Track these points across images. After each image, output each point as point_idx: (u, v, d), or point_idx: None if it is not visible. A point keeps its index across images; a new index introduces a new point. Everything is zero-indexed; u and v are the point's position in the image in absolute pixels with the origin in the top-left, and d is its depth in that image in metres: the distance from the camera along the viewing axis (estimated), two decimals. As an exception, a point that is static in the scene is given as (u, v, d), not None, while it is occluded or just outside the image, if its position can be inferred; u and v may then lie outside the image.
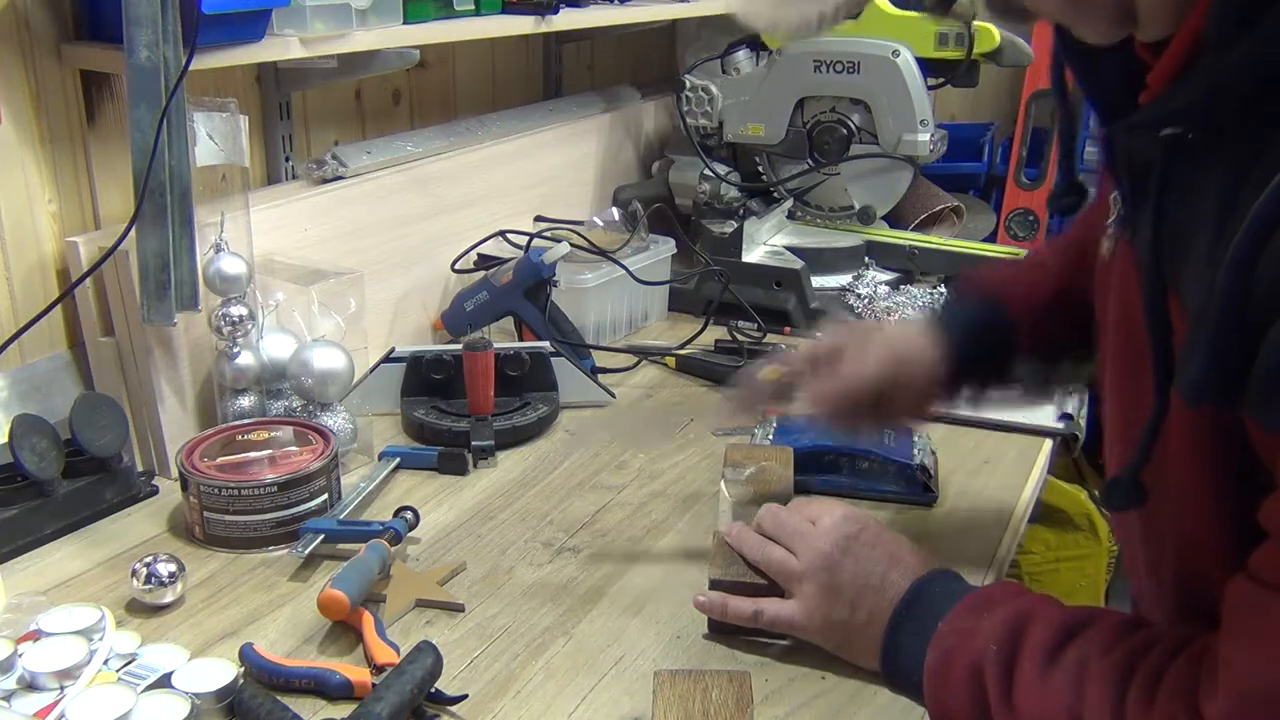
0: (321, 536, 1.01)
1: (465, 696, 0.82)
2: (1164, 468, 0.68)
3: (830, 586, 0.84)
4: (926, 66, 1.69)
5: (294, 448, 1.09)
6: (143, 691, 0.79)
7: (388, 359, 1.31)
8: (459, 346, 1.28)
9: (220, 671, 0.81)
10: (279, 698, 0.81)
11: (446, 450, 1.20)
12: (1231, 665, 0.61)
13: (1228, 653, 0.61)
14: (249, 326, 1.15)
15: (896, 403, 0.97)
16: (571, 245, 1.45)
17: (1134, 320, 0.70)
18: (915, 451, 1.12)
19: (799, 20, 0.66)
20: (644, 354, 1.50)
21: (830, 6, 0.64)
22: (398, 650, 0.86)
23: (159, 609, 0.94)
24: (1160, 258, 0.65)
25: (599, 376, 1.38)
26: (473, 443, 1.21)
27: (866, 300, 1.59)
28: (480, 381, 1.24)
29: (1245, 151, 0.60)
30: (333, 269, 1.24)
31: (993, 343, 0.99)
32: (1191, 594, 0.73)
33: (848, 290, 1.64)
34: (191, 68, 1.03)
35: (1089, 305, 0.85)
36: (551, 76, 1.93)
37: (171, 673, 0.82)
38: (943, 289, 1.64)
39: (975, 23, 1.68)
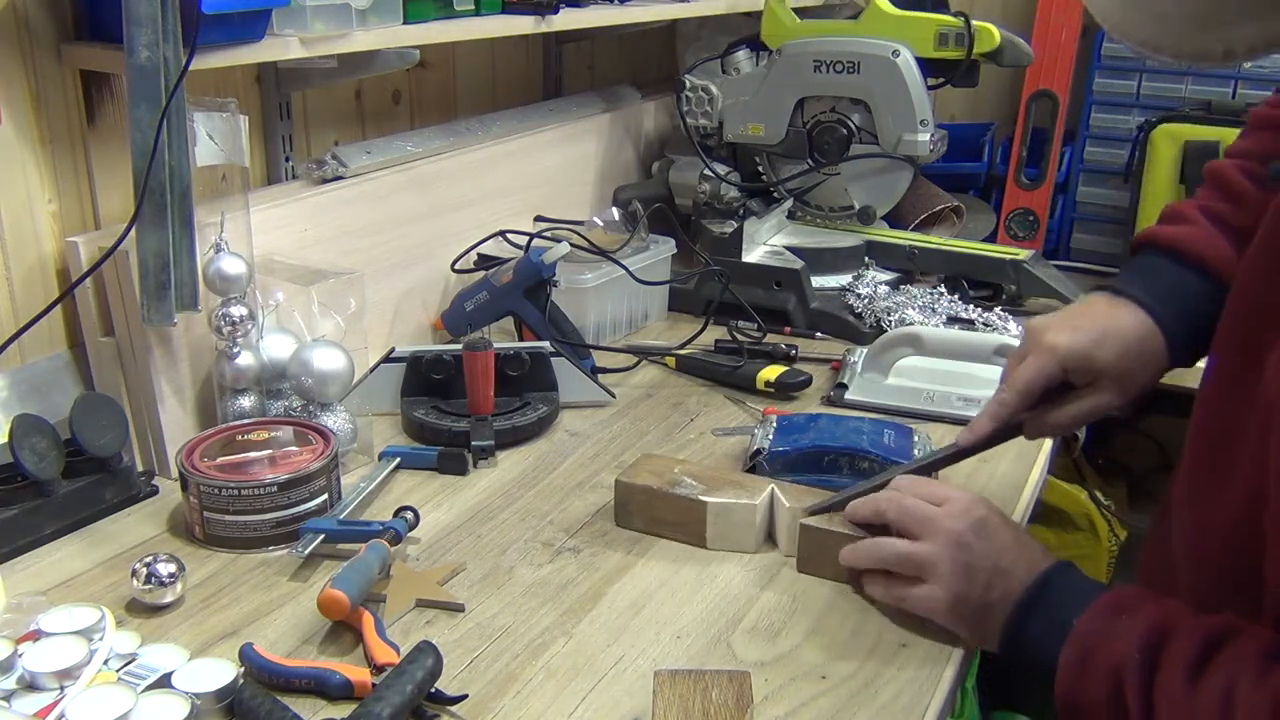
0: (321, 536, 1.01)
1: (465, 696, 0.82)
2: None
3: (965, 566, 0.87)
4: (926, 66, 1.69)
5: (294, 448, 1.09)
6: (143, 691, 0.79)
7: (388, 359, 1.31)
8: (459, 346, 1.28)
9: (220, 671, 0.81)
10: (279, 698, 0.81)
11: (446, 450, 1.20)
12: None
13: None
14: (249, 326, 1.15)
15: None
16: (571, 245, 1.45)
17: None
18: (915, 452, 1.12)
19: (1195, 51, 0.58)
20: (644, 354, 1.50)
21: (1244, 46, 0.56)
22: (398, 650, 0.86)
23: (159, 609, 0.94)
24: None
25: (599, 376, 1.38)
26: (473, 443, 1.21)
27: (866, 300, 1.59)
28: (480, 381, 1.25)
29: None
30: (333, 269, 1.24)
31: (1215, 323, 0.91)
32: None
33: (848, 290, 1.64)
34: (191, 68, 1.03)
35: None
36: (551, 76, 1.93)
37: (171, 673, 0.82)
38: (943, 289, 1.63)
39: (975, 22, 1.68)
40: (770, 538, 1.04)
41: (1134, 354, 0.94)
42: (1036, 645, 0.82)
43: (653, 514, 1.06)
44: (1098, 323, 0.94)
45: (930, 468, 1.03)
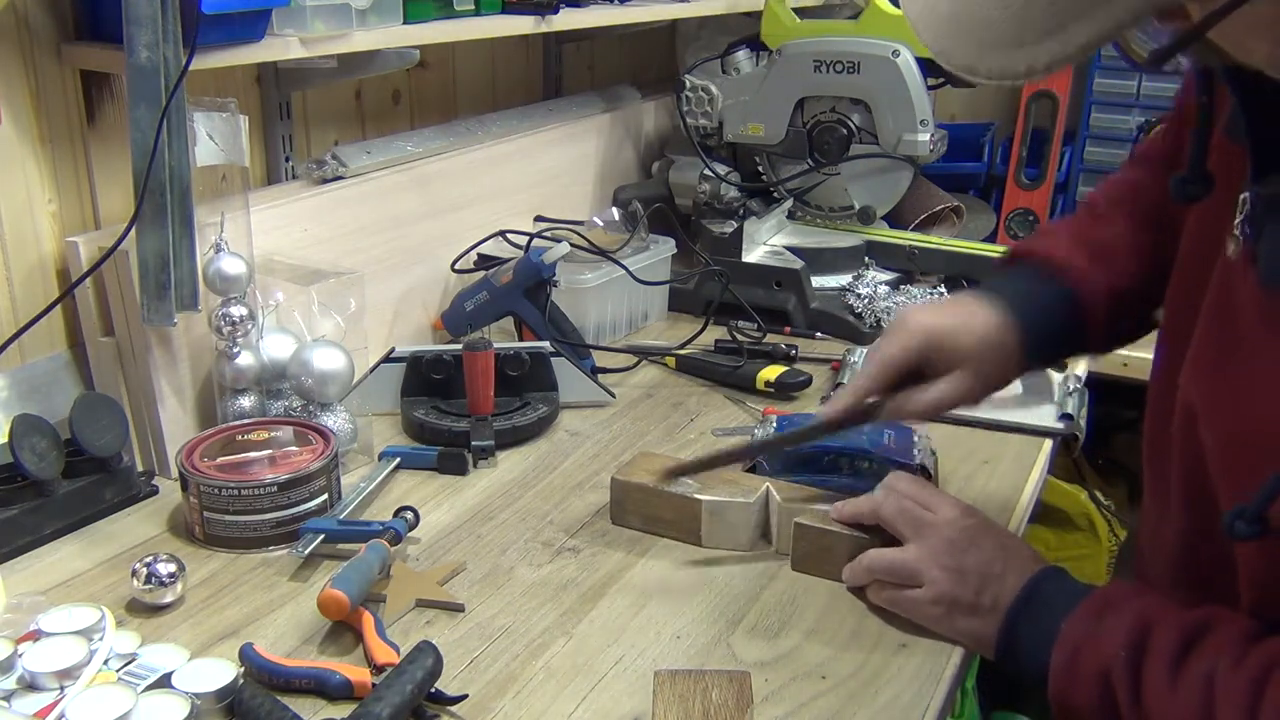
0: (321, 536, 1.01)
1: (465, 696, 0.82)
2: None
3: (957, 571, 0.88)
4: (926, 66, 1.69)
5: (294, 448, 1.09)
6: (143, 691, 0.79)
7: (388, 359, 1.31)
8: (459, 346, 1.28)
9: (220, 671, 0.81)
10: (279, 698, 0.81)
11: (446, 450, 1.20)
12: None
13: None
14: (249, 326, 1.15)
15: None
16: (571, 245, 1.45)
17: (1240, 322, 0.72)
18: (915, 452, 1.12)
19: (1002, 70, 0.62)
20: (644, 354, 1.50)
21: (1042, 63, 0.60)
22: (398, 650, 0.86)
23: (159, 609, 0.94)
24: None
25: (599, 376, 1.38)
26: (473, 443, 1.21)
27: (866, 300, 1.59)
28: (480, 381, 1.24)
29: None
30: (333, 269, 1.24)
31: (1066, 333, 0.99)
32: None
33: (848, 290, 1.64)
34: (191, 68, 1.03)
35: (1154, 302, 0.87)
36: (551, 76, 1.93)
37: (171, 673, 0.82)
38: (943, 289, 1.64)
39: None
40: (765, 536, 1.04)
41: (992, 344, 0.96)
42: (1029, 651, 0.83)
43: (648, 512, 1.06)
44: (961, 312, 0.98)
45: (788, 441, 1.04)
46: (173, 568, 0.93)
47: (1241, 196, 0.76)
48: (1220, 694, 0.69)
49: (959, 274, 1.69)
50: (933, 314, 0.98)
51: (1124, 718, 0.74)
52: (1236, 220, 0.76)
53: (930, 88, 1.71)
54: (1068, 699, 0.79)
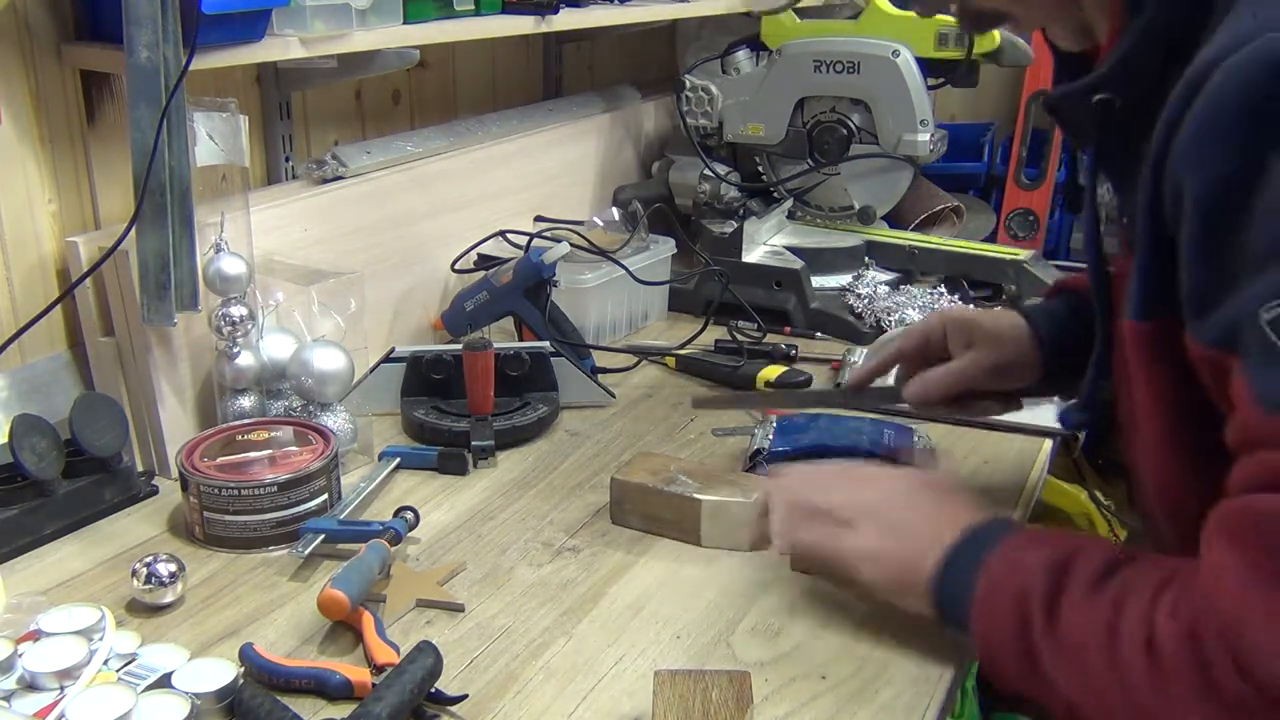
0: (321, 536, 1.01)
1: (465, 696, 0.82)
2: (1132, 408, 0.75)
3: (887, 524, 0.86)
4: (926, 66, 1.69)
5: (294, 448, 1.09)
6: (143, 691, 0.79)
7: (388, 359, 1.31)
8: (459, 346, 1.28)
9: (220, 671, 0.81)
10: (279, 698, 0.81)
11: (446, 450, 1.20)
12: (1215, 579, 0.65)
13: (1206, 565, 0.66)
14: (249, 326, 1.15)
15: (991, 393, 1.05)
16: (571, 245, 1.45)
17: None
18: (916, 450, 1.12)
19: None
20: (644, 354, 1.50)
21: None
22: (398, 650, 0.86)
23: (159, 609, 0.94)
24: (1095, 205, 0.77)
25: (599, 376, 1.38)
26: (473, 443, 1.21)
27: (866, 300, 1.59)
28: (480, 381, 1.24)
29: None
30: (333, 269, 1.24)
31: (1078, 334, 1.00)
32: (1186, 534, 0.74)
33: (848, 290, 1.64)
34: (191, 68, 1.03)
35: None
36: (551, 76, 1.93)
37: (171, 673, 0.82)
38: (943, 289, 1.64)
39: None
40: (766, 536, 1.04)
41: (1010, 329, 1.03)
42: (958, 593, 0.79)
43: (648, 511, 1.06)
44: (986, 311, 1.08)
45: (807, 402, 1.09)
46: (173, 568, 0.93)
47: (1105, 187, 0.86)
48: (1128, 602, 0.69)
49: (959, 274, 1.69)
50: (955, 307, 1.05)
51: (1035, 638, 0.73)
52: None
53: (930, 88, 1.71)
54: (988, 633, 0.77)
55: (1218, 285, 0.65)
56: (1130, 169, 0.74)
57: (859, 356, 1.42)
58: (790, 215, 1.85)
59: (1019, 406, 1.07)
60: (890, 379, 1.10)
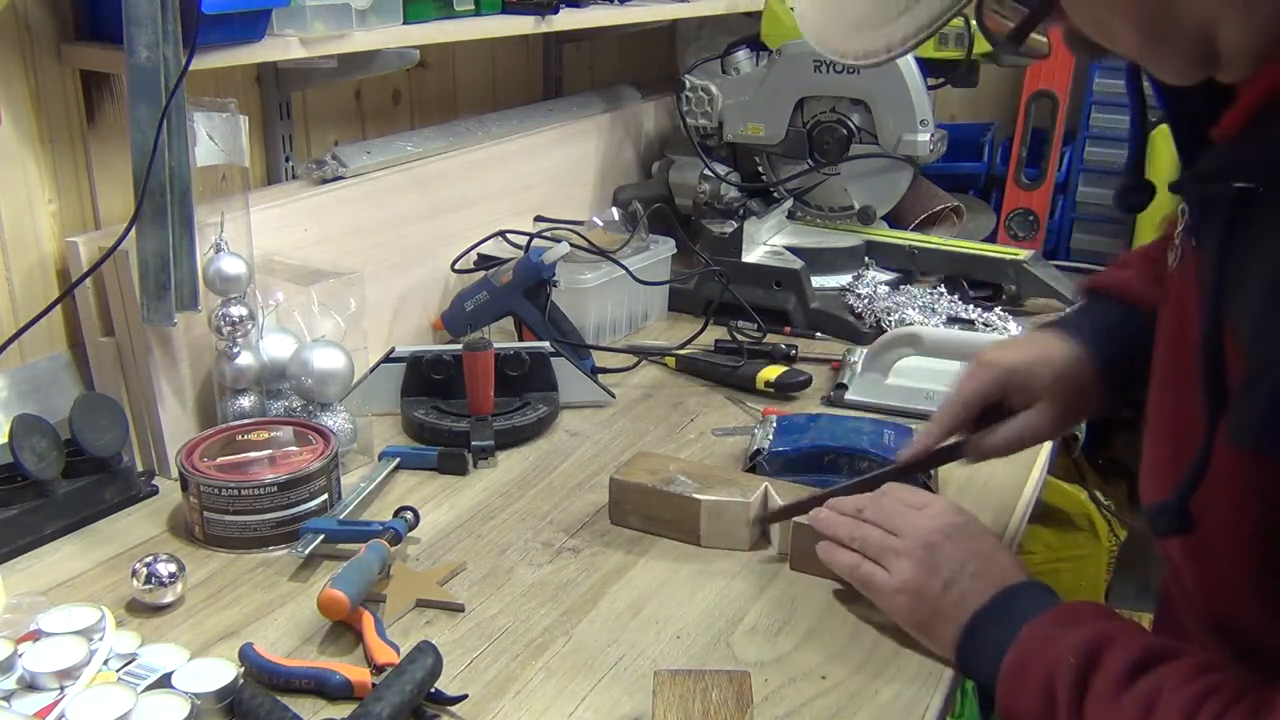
0: (321, 536, 1.01)
1: (465, 696, 0.82)
2: (1205, 500, 0.67)
3: (929, 563, 0.87)
4: (926, 66, 1.69)
5: (294, 448, 1.09)
6: (143, 691, 0.79)
7: (388, 359, 1.31)
8: (459, 346, 1.28)
9: (220, 671, 0.81)
10: (279, 698, 0.81)
11: (446, 450, 1.20)
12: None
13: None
14: (249, 326, 1.15)
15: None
16: (571, 245, 1.45)
17: (1186, 337, 0.69)
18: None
19: (866, 51, 0.67)
20: (644, 354, 1.50)
21: (899, 39, 0.65)
22: (398, 650, 0.86)
23: (159, 609, 0.94)
24: (1221, 286, 0.64)
25: (599, 376, 1.38)
26: (473, 443, 1.21)
27: (866, 300, 1.59)
28: (480, 381, 1.24)
29: None
30: (333, 269, 1.24)
31: (1136, 345, 0.94)
32: (1221, 620, 0.73)
33: (848, 290, 1.64)
34: (191, 68, 1.03)
35: None
36: (551, 76, 1.93)
37: (171, 673, 0.82)
38: (943, 289, 1.64)
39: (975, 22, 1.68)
40: (765, 536, 1.04)
41: (1070, 378, 0.96)
42: (988, 656, 0.80)
43: (647, 511, 1.06)
44: (1036, 348, 0.99)
45: (871, 483, 1.01)
46: (173, 568, 0.93)
47: (1180, 207, 0.75)
48: (1160, 710, 0.67)
49: (959, 274, 1.69)
50: (1010, 351, 0.99)
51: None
52: (1178, 231, 0.76)
53: (930, 88, 1.71)
54: (1013, 702, 0.77)
55: None
56: (1252, 247, 0.63)
57: (859, 356, 1.42)
58: (790, 215, 1.85)
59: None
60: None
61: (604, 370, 1.44)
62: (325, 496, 1.07)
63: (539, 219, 1.70)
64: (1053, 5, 0.65)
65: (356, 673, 0.83)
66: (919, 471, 1.04)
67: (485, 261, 1.55)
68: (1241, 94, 0.64)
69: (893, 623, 0.91)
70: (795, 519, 0.99)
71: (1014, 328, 1.53)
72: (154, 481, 1.15)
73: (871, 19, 0.66)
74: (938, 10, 0.62)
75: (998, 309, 1.59)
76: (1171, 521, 0.67)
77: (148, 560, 0.93)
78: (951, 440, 1.01)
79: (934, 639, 0.87)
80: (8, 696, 0.79)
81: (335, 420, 1.17)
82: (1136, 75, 0.77)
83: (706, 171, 1.83)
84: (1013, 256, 1.69)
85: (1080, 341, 0.97)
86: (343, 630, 0.91)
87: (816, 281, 1.64)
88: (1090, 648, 0.73)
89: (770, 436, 1.16)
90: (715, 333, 1.55)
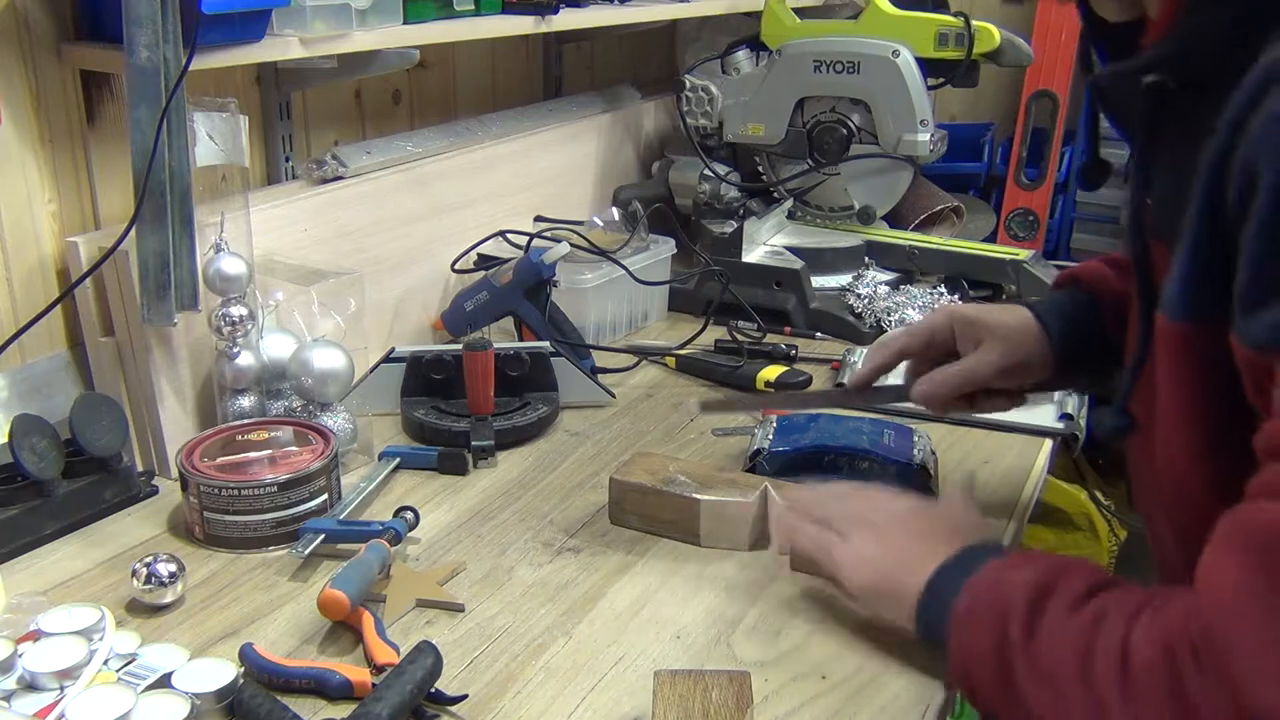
0: (321, 536, 1.01)
1: (465, 696, 0.82)
2: (1153, 402, 0.71)
3: (879, 534, 0.87)
4: (926, 66, 1.69)
5: (294, 448, 1.09)
6: (143, 691, 0.79)
7: (388, 359, 1.31)
8: (459, 346, 1.28)
9: (220, 671, 0.82)
10: (279, 698, 0.81)
11: (446, 450, 1.20)
12: (1207, 580, 0.63)
13: (1204, 569, 0.64)
14: (249, 326, 1.15)
15: (1000, 389, 1.02)
16: (571, 245, 1.45)
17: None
18: (915, 452, 1.12)
19: None
20: (644, 354, 1.50)
21: None
22: (398, 650, 0.86)
23: (159, 609, 0.94)
24: (1142, 191, 0.70)
25: (599, 376, 1.38)
26: (473, 443, 1.21)
27: (866, 300, 1.59)
28: (480, 381, 1.25)
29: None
30: (333, 269, 1.24)
31: (1090, 330, 1.00)
32: (1195, 543, 0.72)
33: (848, 290, 1.64)
34: (191, 68, 1.03)
35: None
36: (551, 76, 1.93)
37: (171, 673, 0.82)
38: (943, 289, 1.64)
39: (975, 22, 1.68)
40: (765, 536, 1.04)
41: (1016, 332, 0.99)
42: (940, 609, 0.79)
43: (647, 512, 1.06)
44: (991, 307, 1.04)
45: (811, 401, 1.03)
46: (173, 568, 0.93)
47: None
48: (1107, 620, 0.68)
49: (959, 274, 1.69)
50: (966, 306, 1.04)
51: (1011, 654, 0.72)
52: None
53: (930, 88, 1.71)
54: (965, 644, 0.76)
55: (1277, 284, 0.62)
56: (1172, 153, 0.70)
57: (859, 356, 1.42)
58: (790, 215, 1.85)
59: (1024, 402, 1.05)
60: (894, 378, 1.10)
61: (604, 370, 1.44)
62: (325, 496, 1.07)
63: (539, 219, 1.70)
64: None
65: (356, 673, 0.83)
66: (862, 398, 1.05)
67: (485, 261, 1.55)
68: (1155, 20, 0.73)
69: (893, 623, 0.90)
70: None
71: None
72: (154, 481, 1.15)
73: None
74: None
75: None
76: (1115, 420, 0.72)
77: (148, 560, 0.93)
78: (902, 381, 1.03)
79: (896, 612, 0.85)
80: (8, 696, 0.79)
81: (335, 420, 1.17)
82: (1087, 51, 0.83)
83: (706, 171, 1.83)
84: (1013, 256, 1.69)
85: (1034, 313, 1.01)
86: (343, 630, 0.91)
87: (816, 281, 1.64)
88: (1043, 581, 0.74)
89: (770, 436, 1.16)
90: (715, 333, 1.55)
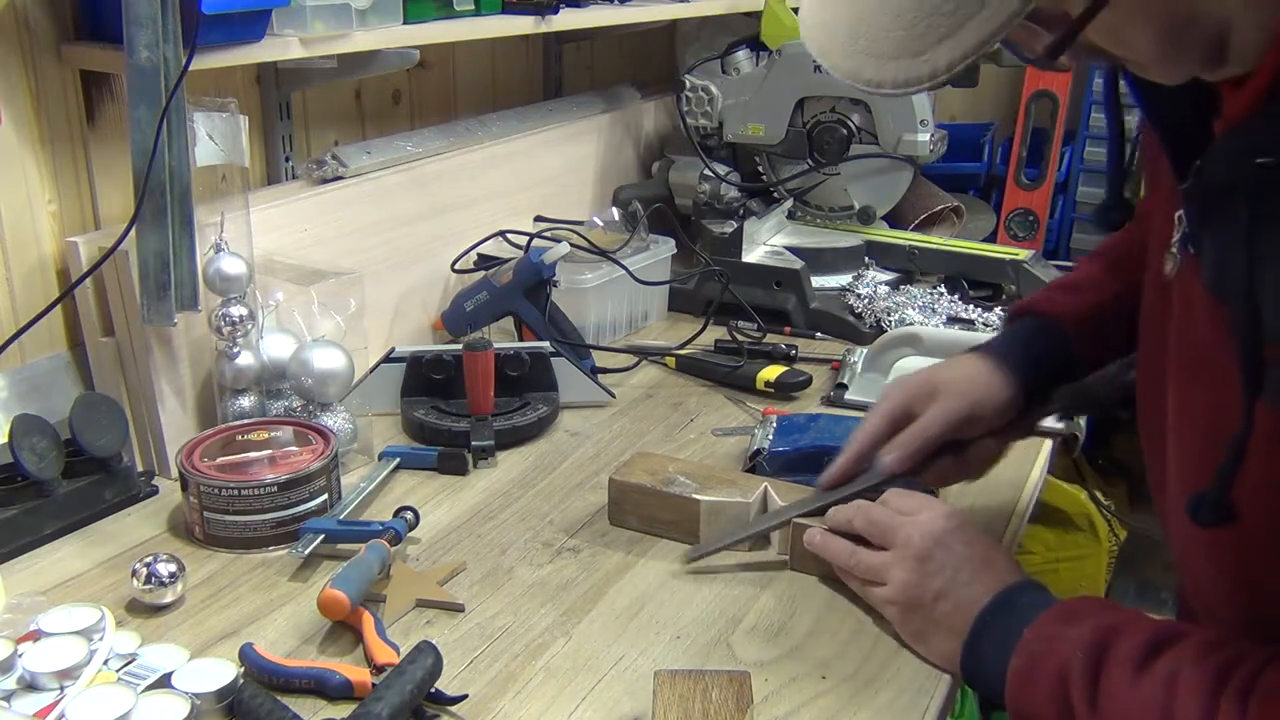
0: (321, 536, 1.01)
1: (465, 696, 0.82)
2: (1243, 488, 0.67)
3: (920, 573, 0.87)
4: (926, 66, 1.69)
5: (294, 448, 1.09)
6: (143, 691, 0.79)
7: (388, 359, 1.31)
8: (459, 346, 1.28)
9: (220, 671, 0.82)
10: (279, 698, 0.81)
11: (446, 450, 1.20)
12: None
13: None
14: (249, 326, 1.15)
15: (976, 442, 1.00)
16: (571, 245, 1.45)
17: (1202, 337, 0.71)
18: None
19: (907, 79, 0.64)
20: (644, 354, 1.50)
21: (943, 65, 0.62)
22: (398, 650, 0.86)
23: (159, 609, 0.94)
24: (1252, 281, 0.63)
25: (599, 376, 1.38)
26: (473, 443, 1.21)
27: (866, 300, 1.59)
28: (480, 381, 1.25)
29: None
30: (333, 269, 1.24)
31: (1056, 365, 1.00)
32: (1261, 612, 0.73)
33: (848, 290, 1.64)
34: (191, 68, 1.03)
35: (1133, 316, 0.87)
36: (551, 76, 1.93)
37: (171, 673, 0.82)
38: (943, 289, 1.64)
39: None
40: (764, 536, 1.04)
41: (966, 369, 0.99)
42: (991, 661, 0.80)
43: (647, 512, 1.06)
44: (943, 363, 1.03)
45: (795, 510, 1.01)
46: (173, 568, 0.93)
47: (1177, 214, 0.75)
48: (1182, 689, 0.67)
49: (959, 274, 1.69)
50: (918, 371, 1.02)
51: (1077, 717, 0.72)
52: (1174, 239, 0.76)
53: (930, 88, 1.71)
54: (1024, 706, 0.76)
55: None
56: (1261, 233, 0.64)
57: (859, 356, 1.42)
58: (790, 215, 1.85)
59: (1008, 444, 1.04)
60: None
61: (604, 370, 1.44)
62: (325, 496, 1.07)
63: (539, 219, 1.70)
64: (1076, 31, 0.63)
65: (356, 673, 0.83)
66: (844, 496, 1.00)
67: (485, 261, 1.55)
68: (1253, 79, 0.65)
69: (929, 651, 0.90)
70: (795, 519, 0.99)
71: (1014, 328, 1.53)
72: (154, 481, 1.15)
73: (909, 48, 0.63)
74: (979, 39, 0.60)
75: (998, 309, 1.59)
76: (1212, 511, 0.66)
77: (148, 560, 0.93)
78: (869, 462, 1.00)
79: (930, 649, 0.87)
80: (8, 696, 0.79)
81: (335, 420, 1.17)
82: (1114, 88, 0.79)
83: (706, 171, 1.83)
84: (1013, 256, 1.69)
85: (984, 352, 1.01)
86: (343, 630, 0.91)
87: (816, 281, 1.64)
88: (1098, 640, 0.73)
89: (770, 436, 1.16)
90: (715, 333, 1.55)
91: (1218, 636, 0.71)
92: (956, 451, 0.99)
